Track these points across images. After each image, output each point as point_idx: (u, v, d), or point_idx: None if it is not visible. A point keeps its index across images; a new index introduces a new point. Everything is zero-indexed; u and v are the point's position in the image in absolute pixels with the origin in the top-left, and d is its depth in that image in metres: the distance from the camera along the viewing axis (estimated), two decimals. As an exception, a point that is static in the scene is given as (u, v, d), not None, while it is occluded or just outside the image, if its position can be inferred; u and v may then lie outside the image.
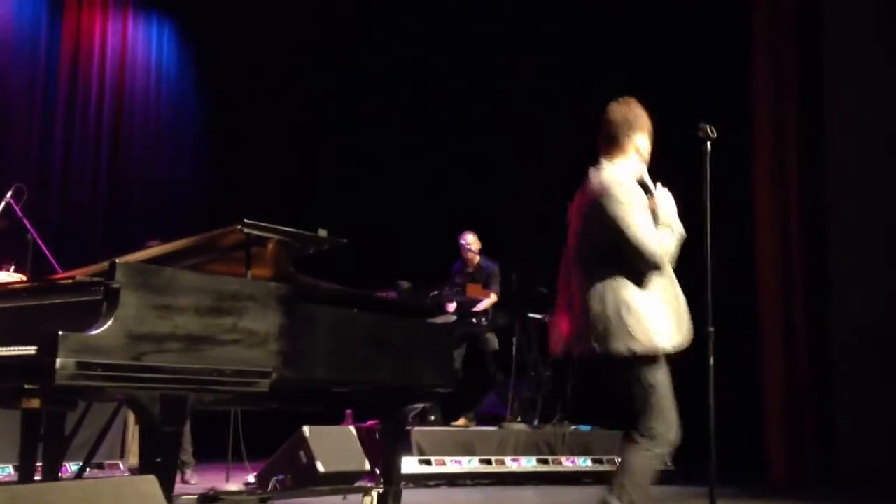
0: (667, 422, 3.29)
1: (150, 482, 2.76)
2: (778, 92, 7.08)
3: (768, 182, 7.06)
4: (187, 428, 5.99)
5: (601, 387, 3.47)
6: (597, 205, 3.31)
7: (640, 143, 3.47)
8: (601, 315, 3.26)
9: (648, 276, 3.29)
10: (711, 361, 3.94)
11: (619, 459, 3.35)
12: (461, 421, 7.25)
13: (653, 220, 3.33)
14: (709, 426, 3.84)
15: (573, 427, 7.43)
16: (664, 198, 3.43)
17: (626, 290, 3.27)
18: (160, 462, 3.03)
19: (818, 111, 7.20)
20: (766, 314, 6.88)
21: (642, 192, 3.38)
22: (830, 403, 6.96)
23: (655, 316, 3.26)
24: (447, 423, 7.18)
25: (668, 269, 3.36)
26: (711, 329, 3.99)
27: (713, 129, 4.03)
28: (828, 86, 7.22)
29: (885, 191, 7.02)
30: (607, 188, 3.32)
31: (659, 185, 3.47)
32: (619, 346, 3.23)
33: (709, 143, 4.02)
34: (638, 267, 3.28)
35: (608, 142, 3.46)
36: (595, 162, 3.45)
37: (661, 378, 3.30)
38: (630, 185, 3.36)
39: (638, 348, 3.23)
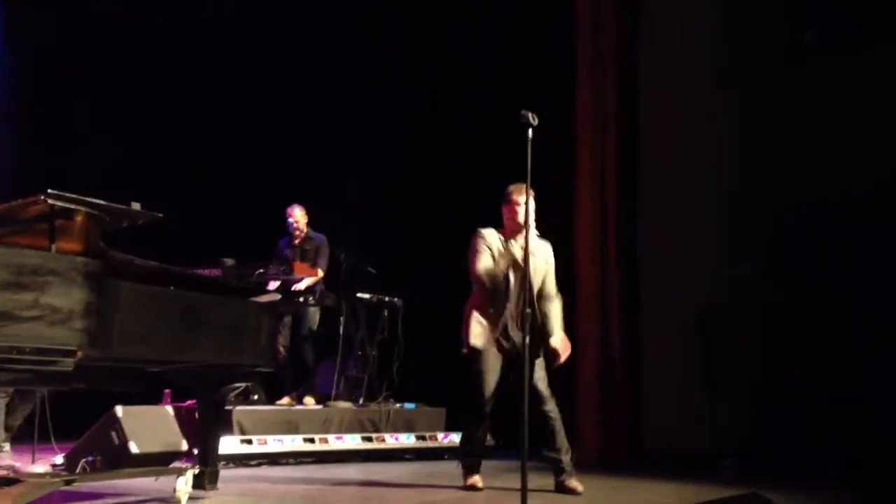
0: None
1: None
2: (597, 82, 7.44)
3: (588, 164, 7.42)
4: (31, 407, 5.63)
5: None
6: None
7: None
8: None
9: None
10: (527, 340, 4.07)
11: None
12: (285, 400, 7.18)
13: None
14: (523, 403, 3.96)
15: (398, 405, 7.53)
16: None
17: None
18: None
19: (634, 106, 7.59)
20: (583, 295, 7.21)
21: None
22: (639, 385, 7.39)
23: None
24: (271, 403, 7.09)
25: None
26: (528, 310, 4.13)
27: (534, 116, 4.12)
28: (642, 83, 7.63)
29: (693, 187, 7.50)
30: None
31: None
32: None
33: (530, 130, 4.10)
34: None
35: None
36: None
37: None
38: None
39: None
